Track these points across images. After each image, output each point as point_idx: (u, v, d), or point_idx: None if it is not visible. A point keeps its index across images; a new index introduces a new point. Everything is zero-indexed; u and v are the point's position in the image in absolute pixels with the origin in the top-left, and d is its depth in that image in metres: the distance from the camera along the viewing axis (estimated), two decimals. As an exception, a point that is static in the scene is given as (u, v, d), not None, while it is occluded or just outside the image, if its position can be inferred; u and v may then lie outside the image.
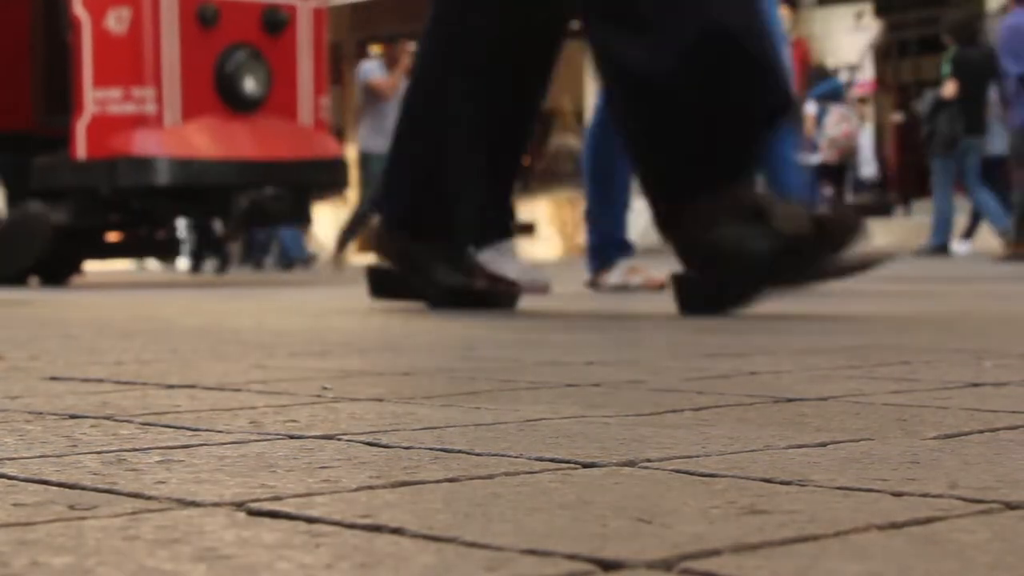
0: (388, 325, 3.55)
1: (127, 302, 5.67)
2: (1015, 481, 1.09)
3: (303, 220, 10.15)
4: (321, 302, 5.41)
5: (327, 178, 9.62)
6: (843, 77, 15.72)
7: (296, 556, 0.85)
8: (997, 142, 12.16)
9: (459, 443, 1.34)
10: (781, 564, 0.81)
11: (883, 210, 15.25)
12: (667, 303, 3.90)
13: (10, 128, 9.88)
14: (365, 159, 13.35)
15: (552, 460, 1.23)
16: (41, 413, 1.64)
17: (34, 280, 9.98)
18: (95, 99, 9.10)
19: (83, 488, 1.11)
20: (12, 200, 9.60)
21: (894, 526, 0.92)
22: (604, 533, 0.90)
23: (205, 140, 9.06)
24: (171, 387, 1.94)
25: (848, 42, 15.97)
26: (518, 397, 1.76)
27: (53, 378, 2.10)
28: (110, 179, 9.02)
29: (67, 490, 1.10)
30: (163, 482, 1.13)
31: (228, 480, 1.14)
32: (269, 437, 1.41)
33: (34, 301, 5.92)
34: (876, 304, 4.43)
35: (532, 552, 0.85)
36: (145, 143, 8.98)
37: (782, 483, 1.09)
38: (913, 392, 1.77)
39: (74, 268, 10.54)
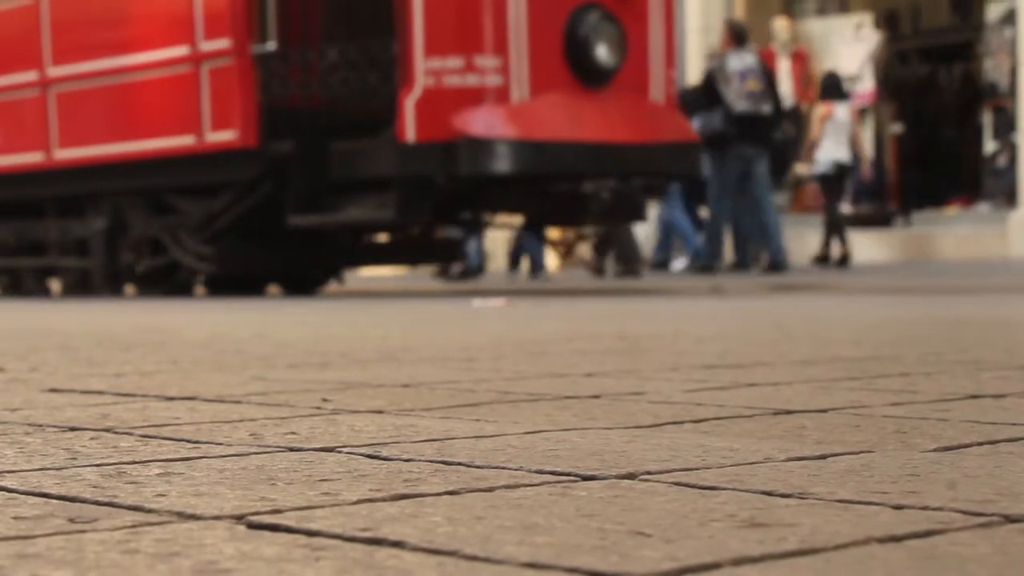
0: (388, 337, 3.55)
1: (128, 313, 5.66)
2: (1015, 494, 1.09)
3: (640, 217, 8.46)
4: (322, 314, 5.41)
5: (683, 165, 7.94)
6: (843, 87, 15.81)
7: (296, 570, 0.85)
8: None
9: (459, 455, 1.34)
10: (781, 578, 0.81)
11: (882, 221, 15.27)
12: (667, 313, 3.89)
13: (296, 105, 8.08)
14: None
15: (552, 473, 1.23)
16: (41, 425, 1.64)
17: (275, 289, 8.71)
18: (428, 70, 7.30)
19: (83, 501, 1.11)
20: (306, 190, 7.69)
21: (894, 539, 0.92)
22: (604, 546, 0.90)
23: (556, 119, 7.35)
24: (171, 399, 1.94)
25: (847, 52, 15.98)
26: (518, 409, 1.76)
27: (53, 390, 2.10)
28: (446, 166, 7.22)
29: (67, 503, 1.10)
30: (163, 495, 1.13)
31: (228, 493, 1.14)
32: (269, 449, 1.41)
33: (34, 311, 5.92)
34: (873, 311, 4.43)
35: (532, 565, 0.85)
36: (490, 122, 7.23)
37: (782, 496, 1.09)
38: (913, 404, 1.76)
39: (331, 275, 8.90)
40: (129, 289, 8.63)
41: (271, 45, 7.67)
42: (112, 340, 3.53)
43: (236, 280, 8.45)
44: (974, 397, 1.84)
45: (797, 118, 17.02)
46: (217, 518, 1.03)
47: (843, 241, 12.86)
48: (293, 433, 1.54)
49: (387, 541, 0.93)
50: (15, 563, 0.87)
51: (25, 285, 9.27)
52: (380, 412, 1.74)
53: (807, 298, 6.29)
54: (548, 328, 3.87)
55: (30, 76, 8.73)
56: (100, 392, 2.05)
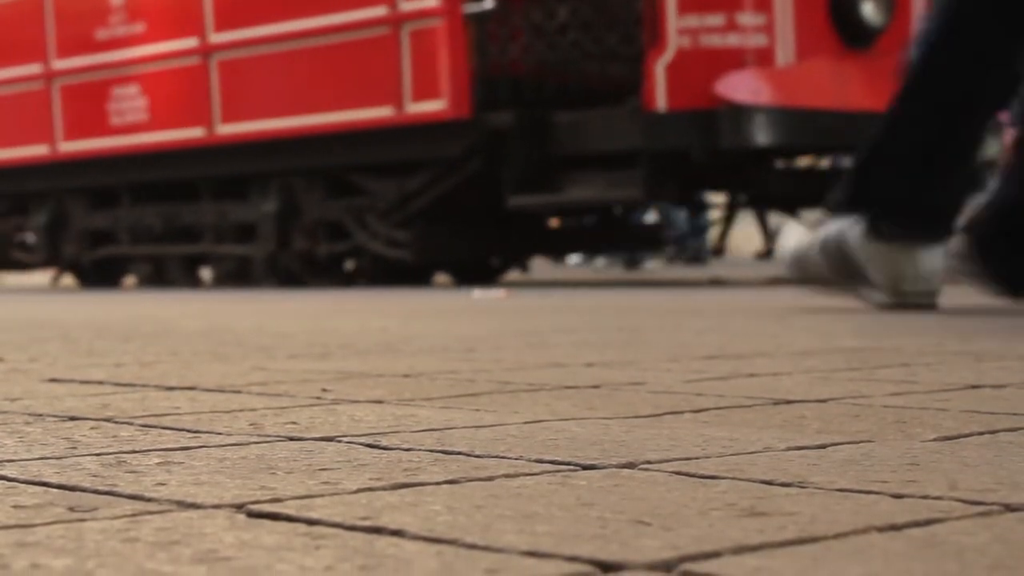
0: (387, 327, 3.55)
1: (127, 303, 5.66)
2: (1015, 483, 1.09)
3: None
4: (321, 304, 5.41)
5: None
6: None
7: (296, 558, 0.85)
8: None
9: (459, 445, 1.34)
10: (781, 566, 0.81)
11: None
12: (667, 305, 3.90)
13: (517, 71, 7.15)
14: None
15: (552, 462, 1.23)
16: (41, 415, 1.64)
17: (443, 279, 7.83)
18: (682, 29, 6.47)
19: (83, 490, 1.11)
20: (527, 167, 6.70)
21: (894, 528, 0.92)
22: (604, 535, 0.90)
23: (823, 84, 6.56)
24: (171, 389, 1.94)
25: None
26: (518, 399, 1.76)
27: (53, 380, 2.10)
28: (704, 137, 6.39)
29: (67, 492, 1.10)
30: (163, 484, 1.13)
31: (228, 482, 1.14)
32: (269, 439, 1.41)
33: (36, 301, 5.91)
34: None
35: (532, 554, 0.85)
36: (755, 88, 6.46)
37: (782, 485, 1.09)
38: (912, 394, 1.77)
39: (515, 261, 8.14)
40: (295, 278, 7.72)
41: (488, 3, 6.82)
42: (111, 330, 3.53)
43: (395, 267, 7.50)
44: (974, 387, 1.84)
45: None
46: (217, 507, 1.03)
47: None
48: (293, 423, 1.54)
49: (387, 530, 0.93)
50: (15, 551, 0.87)
51: (170, 274, 8.44)
52: (380, 402, 1.74)
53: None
54: (548, 319, 3.87)
55: (189, 43, 7.89)
56: (100, 382, 2.05)
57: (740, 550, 0.85)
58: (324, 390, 1.89)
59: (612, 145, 6.59)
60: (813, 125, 6.47)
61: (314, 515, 0.98)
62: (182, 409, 1.69)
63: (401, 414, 1.61)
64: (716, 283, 7.38)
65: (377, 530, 0.93)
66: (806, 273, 4.18)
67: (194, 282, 8.51)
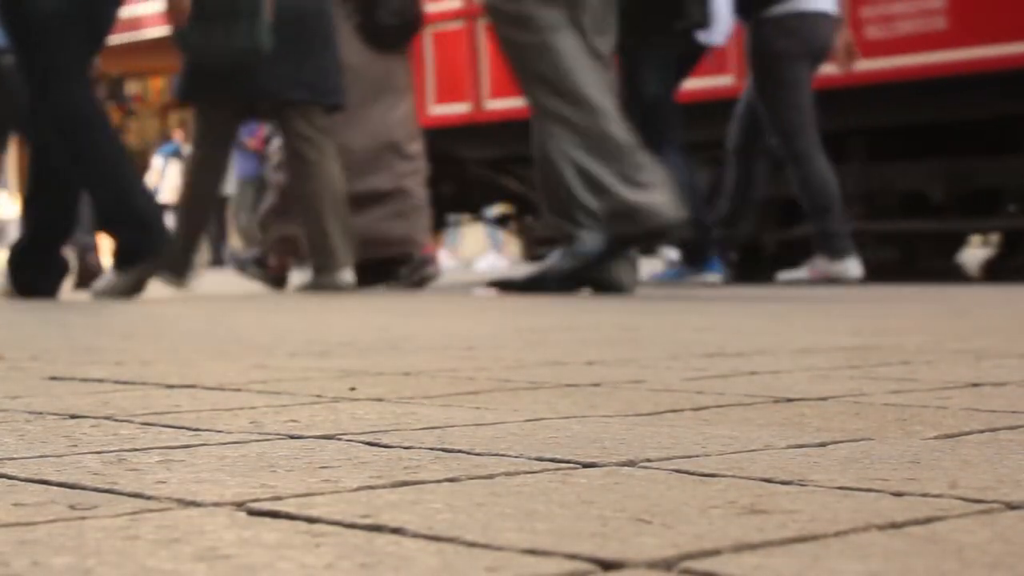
0: (388, 325, 3.55)
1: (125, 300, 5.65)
2: (1015, 481, 1.09)
3: None
4: (321, 302, 5.41)
5: None
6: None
7: (296, 556, 0.85)
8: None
9: (459, 443, 1.34)
10: (781, 564, 0.81)
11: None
12: (667, 304, 3.88)
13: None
14: None
15: (552, 460, 1.23)
16: (41, 413, 1.64)
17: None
18: None
19: (84, 488, 1.11)
20: None
21: (894, 526, 0.92)
22: (604, 533, 0.90)
23: None
24: (171, 387, 1.94)
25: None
26: (518, 397, 1.76)
27: (53, 378, 2.10)
28: None
29: (67, 490, 1.10)
30: (163, 482, 1.13)
31: (228, 480, 1.14)
32: (269, 437, 1.41)
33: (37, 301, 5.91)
34: (873, 305, 4.43)
35: (532, 552, 0.85)
36: None
37: (782, 483, 1.09)
38: (913, 392, 1.77)
39: None
40: None
41: None
42: (111, 328, 3.53)
43: None
44: (974, 385, 1.84)
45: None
46: (217, 505, 1.03)
47: None
48: (293, 421, 1.54)
49: (387, 527, 0.93)
50: (16, 549, 0.87)
51: (921, 259, 6.30)
52: (380, 400, 1.74)
53: (804, 287, 6.29)
54: (548, 317, 3.87)
55: None
56: (100, 380, 2.05)
57: (740, 548, 0.85)
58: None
59: None
60: None
61: (314, 513, 0.98)
62: (182, 407, 1.69)
63: (401, 412, 1.61)
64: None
65: (377, 528, 0.93)
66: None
67: (955, 271, 6.16)
